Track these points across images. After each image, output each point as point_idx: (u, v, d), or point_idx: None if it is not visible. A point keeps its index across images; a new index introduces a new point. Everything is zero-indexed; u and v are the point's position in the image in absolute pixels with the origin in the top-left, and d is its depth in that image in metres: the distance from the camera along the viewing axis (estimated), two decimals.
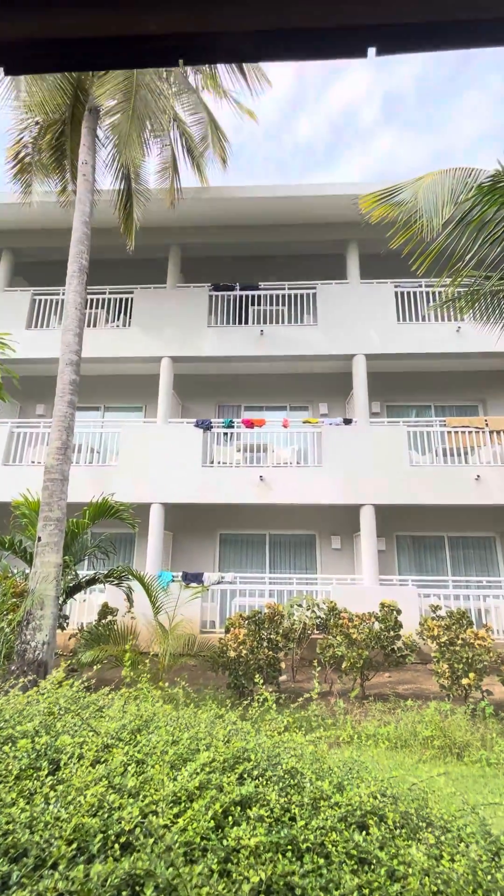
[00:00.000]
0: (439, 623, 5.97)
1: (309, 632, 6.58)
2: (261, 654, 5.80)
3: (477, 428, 9.25)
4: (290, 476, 8.97)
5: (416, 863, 1.38)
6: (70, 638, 7.24)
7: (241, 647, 5.77)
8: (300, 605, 6.72)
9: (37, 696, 2.50)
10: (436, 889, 1.32)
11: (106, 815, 1.47)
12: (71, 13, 0.74)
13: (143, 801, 1.52)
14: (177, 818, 1.48)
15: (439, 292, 9.67)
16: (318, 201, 9.64)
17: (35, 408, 11.29)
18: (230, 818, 1.51)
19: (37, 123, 7.66)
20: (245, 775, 1.75)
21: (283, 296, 10.34)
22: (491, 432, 9.17)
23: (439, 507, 9.00)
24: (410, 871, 1.36)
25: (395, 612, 6.23)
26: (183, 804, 1.55)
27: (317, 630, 6.71)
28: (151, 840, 1.36)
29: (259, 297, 10.37)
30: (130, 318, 10.35)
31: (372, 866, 1.39)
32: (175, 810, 1.50)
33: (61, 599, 6.07)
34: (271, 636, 6.04)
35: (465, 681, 5.38)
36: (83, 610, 8.35)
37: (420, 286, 9.94)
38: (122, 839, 1.39)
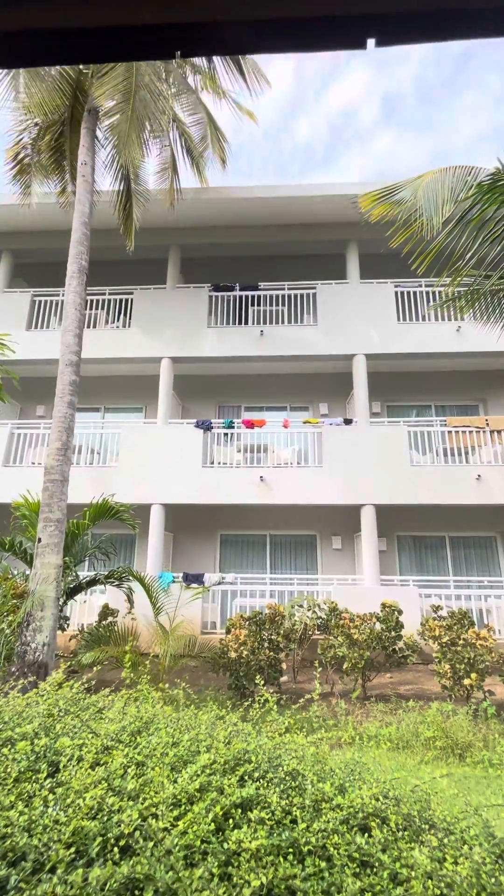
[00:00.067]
0: (441, 623, 5.95)
1: (310, 632, 6.56)
2: (262, 654, 5.78)
3: (477, 427, 9.23)
4: (290, 476, 8.96)
5: (419, 866, 1.36)
6: (71, 639, 7.22)
7: (241, 647, 5.76)
8: (301, 606, 6.70)
9: (36, 697, 2.48)
10: (439, 892, 1.31)
11: (105, 818, 1.45)
12: (65, 3, 0.73)
13: (142, 804, 1.51)
14: (177, 821, 1.46)
15: (439, 292, 9.65)
16: (318, 201, 9.64)
17: (35, 409, 11.29)
18: (231, 821, 1.49)
19: (36, 125, 7.66)
20: (246, 777, 1.74)
21: (283, 296, 10.33)
22: (491, 432, 9.15)
23: (440, 506, 8.98)
24: (413, 874, 1.34)
25: (396, 613, 6.21)
26: (183, 807, 1.53)
27: (318, 631, 6.69)
28: (151, 843, 1.35)
29: (259, 297, 10.36)
30: (130, 318, 10.35)
31: (374, 869, 1.37)
32: (175, 813, 1.49)
33: (62, 601, 6.05)
34: (272, 637, 6.02)
35: (466, 681, 5.36)
36: (84, 611, 8.34)
37: (420, 286, 9.93)
38: (122, 842, 1.37)
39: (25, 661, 4.79)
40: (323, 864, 1.36)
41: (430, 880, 1.34)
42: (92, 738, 1.96)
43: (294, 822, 1.52)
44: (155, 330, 10.13)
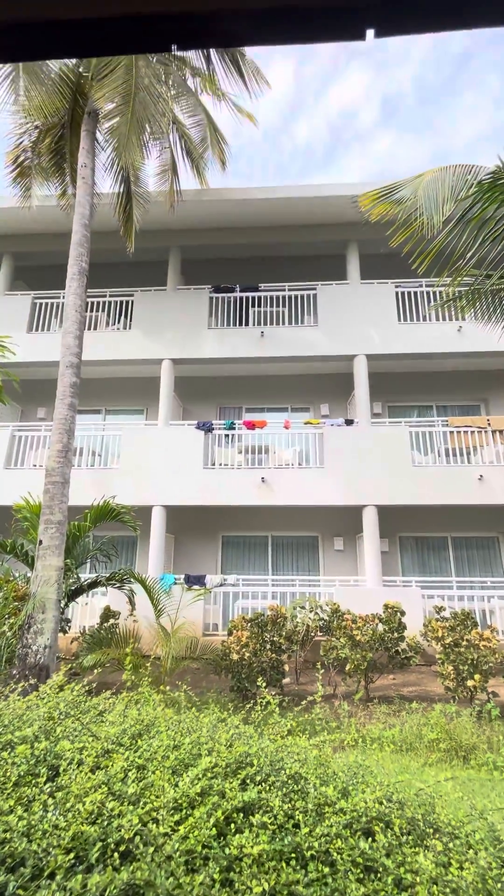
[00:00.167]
0: (443, 624, 5.91)
1: (312, 634, 6.53)
2: (264, 656, 5.76)
3: (479, 427, 9.20)
4: (291, 477, 8.94)
5: (424, 871, 1.34)
6: (72, 641, 7.21)
7: (243, 649, 5.73)
8: (303, 607, 6.67)
9: (37, 700, 2.46)
10: None
11: (105, 823, 1.44)
12: None
13: (143, 809, 1.49)
14: (178, 826, 1.45)
15: (440, 292, 9.64)
16: (318, 202, 9.64)
17: (36, 411, 11.30)
18: (232, 825, 1.48)
19: (36, 127, 7.68)
20: (248, 781, 1.72)
21: (284, 297, 10.33)
22: (493, 432, 9.12)
23: (442, 507, 8.95)
24: (418, 879, 1.32)
25: (398, 614, 6.18)
26: (184, 811, 1.52)
27: (320, 632, 6.66)
28: (152, 849, 1.33)
29: (259, 298, 10.36)
30: (131, 320, 10.35)
31: (378, 874, 1.35)
32: (176, 817, 1.47)
33: (63, 603, 6.04)
34: (274, 638, 6.00)
35: (470, 682, 5.32)
36: (85, 613, 8.33)
37: (421, 286, 9.92)
38: (122, 848, 1.35)
39: (27, 663, 4.77)
40: (326, 870, 1.33)
41: (435, 886, 1.32)
42: (92, 741, 1.94)
43: (297, 826, 1.50)
44: (155, 332, 10.13)
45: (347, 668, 5.78)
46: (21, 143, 7.82)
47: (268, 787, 1.67)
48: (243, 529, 10.16)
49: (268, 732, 2.35)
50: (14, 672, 4.77)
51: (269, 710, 2.44)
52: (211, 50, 8.01)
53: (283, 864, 1.35)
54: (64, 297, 8.91)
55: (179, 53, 8.28)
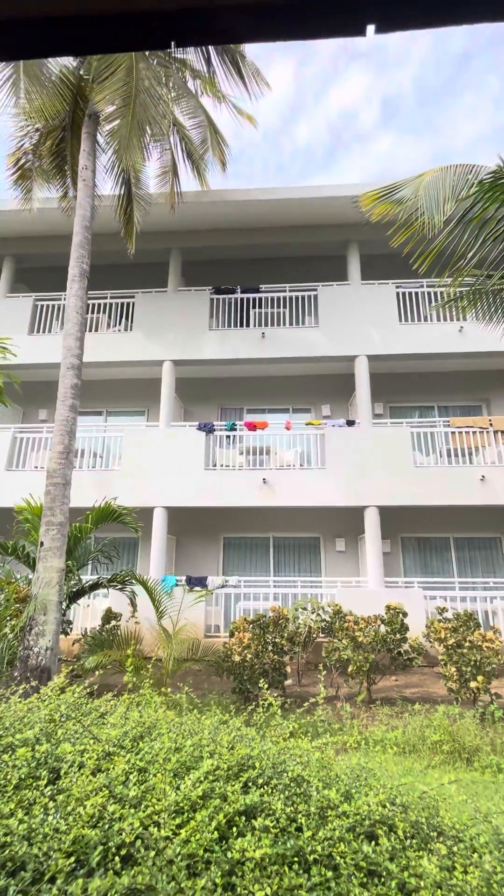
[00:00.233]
0: (446, 625, 5.89)
1: (314, 635, 6.51)
2: (266, 658, 5.74)
3: (481, 428, 9.18)
4: (293, 478, 8.92)
5: (428, 875, 1.33)
6: (74, 643, 7.20)
7: (245, 651, 5.72)
8: (305, 609, 6.65)
9: (38, 702, 2.46)
10: None
11: (106, 827, 1.42)
12: None
13: (144, 812, 1.48)
14: (179, 829, 1.43)
15: (441, 292, 9.63)
16: (319, 203, 9.64)
17: (38, 413, 11.31)
18: (234, 829, 1.46)
19: (37, 130, 7.70)
20: (250, 783, 1.71)
21: (285, 298, 10.33)
22: (495, 432, 9.10)
23: (444, 507, 8.92)
24: (422, 883, 1.31)
25: (401, 615, 6.16)
26: (186, 814, 1.50)
27: (322, 633, 6.64)
28: (153, 852, 1.32)
29: (260, 299, 10.36)
30: (132, 322, 10.36)
31: (382, 879, 1.34)
32: (177, 821, 1.46)
33: (64, 604, 6.03)
34: (276, 640, 5.98)
35: (473, 684, 5.30)
36: (87, 615, 8.32)
37: (422, 286, 9.91)
38: (123, 851, 1.34)
39: (28, 665, 4.77)
40: (329, 874, 1.32)
41: (439, 890, 1.30)
42: (93, 743, 1.93)
43: (299, 829, 1.49)
44: (157, 333, 10.14)
45: (350, 669, 5.76)
46: (22, 145, 7.84)
47: (270, 790, 1.66)
48: (245, 531, 10.15)
49: (270, 735, 2.34)
50: (15, 674, 4.76)
51: (271, 712, 2.43)
52: (211, 51, 8.03)
53: (286, 869, 1.34)
54: (65, 298, 8.92)
55: (180, 56, 8.30)
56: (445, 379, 10.73)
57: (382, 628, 6.12)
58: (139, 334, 10.18)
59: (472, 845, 1.52)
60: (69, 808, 1.49)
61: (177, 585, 8.06)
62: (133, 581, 6.54)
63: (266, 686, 3.19)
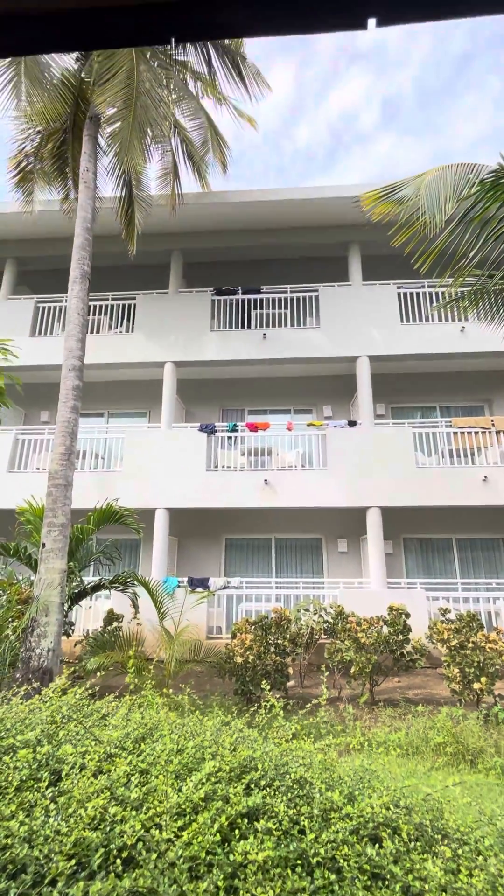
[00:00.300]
0: (449, 626, 5.86)
1: (316, 636, 6.49)
2: (268, 659, 5.72)
3: (483, 428, 9.15)
4: (295, 479, 8.91)
5: (433, 878, 1.31)
6: (76, 645, 7.19)
7: (247, 652, 5.70)
8: (307, 610, 6.63)
9: (39, 703, 2.45)
10: None
11: (108, 829, 1.41)
12: None
13: (146, 814, 1.47)
14: (181, 831, 1.42)
15: (442, 292, 9.62)
16: (319, 204, 9.64)
17: (40, 415, 11.33)
18: (237, 831, 1.45)
19: (38, 133, 7.73)
20: (252, 785, 1.69)
21: (286, 299, 10.33)
22: (497, 432, 9.07)
23: (446, 508, 8.89)
24: (427, 887, 1.29)
25: (403, 616, 6.14)
26: (188, 816, 1.49)
27: (324, 635, 6.62)
28: (154, 855, 1.31)
29: (261, 300, 10.37)
30: (133, 323, 10.38)
31: (386, 882, 1.33)
32: (179, 823, 1.45)
33: (66, 606, 6.03)
34: (278, 641, 5.96)
35: (476, 685, 5.27)
36: (89, 616, 8.31)
37: (423, 286, 9.90)
38: (125, 854, 1.33)
39: (30, 666, 4.76)
40: (332, 877, 1.31)
41: (444, 893, 1.29)
42: (95, 745, 1.92)
43: (302, 832, 1.48)
44: (158, 334, 10.15)
45: (352, 670, 5.73)
46: (24, 148, 7.86)
47: (272, 792, 1.64)
48: (247, 532, 10.13)
49: (272, 736, 2.32)
50: (17, 675, 4.76)
51: (274, 714, 2.41)
52: (212, 53, 8.05)
53: (289, 871, 1.32)
54: (66, 300, 8.95)
55: (180, 58, 8.32)
56: (447, 379, 10.71)
57: (385, 629, 6.10)
58: (140, 336, 10.19)
59: (477, 848, 1.50)
60: (70, 810, 1.48)
61: (179, 587, 8.05)
62: (135, 582, 6.53)
63: (268, 687, 3.18)
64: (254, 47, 8.42)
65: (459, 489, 8.54)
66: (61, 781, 1.69)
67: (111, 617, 7.22)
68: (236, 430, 9.52)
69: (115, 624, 7.07)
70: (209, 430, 9.40)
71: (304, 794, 1.65)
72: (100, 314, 10.59)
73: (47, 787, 1.64)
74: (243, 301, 10.39)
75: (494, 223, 4.75)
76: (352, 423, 9.35)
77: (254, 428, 9.46)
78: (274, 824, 1.46)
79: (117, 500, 7.02)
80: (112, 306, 10.75)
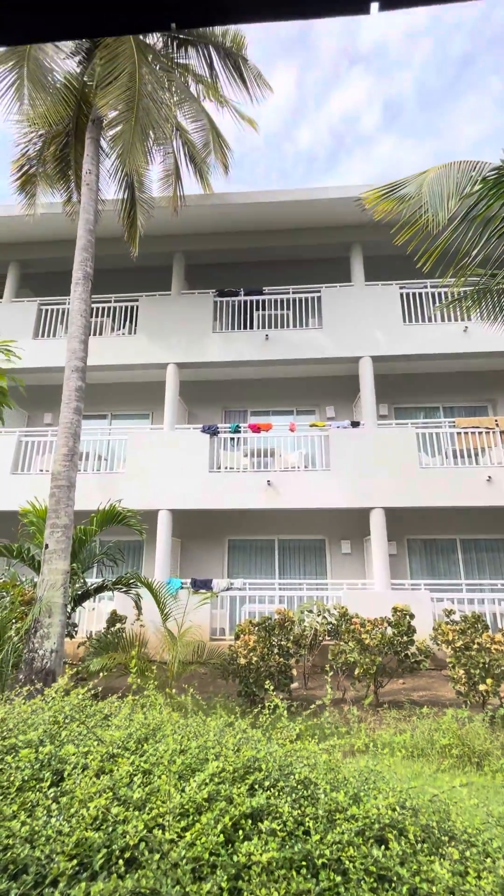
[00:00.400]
0: (454, 627, 5.82)
1: (320, 638, 6.45)
2: (271, 661, 5.69)
3: (487, 428, 9.10)
4: (298, 480, 8.89)
5: (441, 880, 1.29)
6: (79, 646, 7.18)
7: (251, 654, 5.67)
8: (311, 611, 6.60)
9: (42, 704, 2.43)
10: None
11: (110, 829, 1.40)
12: None
13: (148, 814, 1.45)
14: (184, 832, 1.41)
15: (445, 292, 9.59)
16: (322, 205, 9.65)
17: (43, 417, 11.36)
18: (241, 832, 1.43)
19: (41, 136, 7.77)
20: (256, 786, 1.67)
21: (288, 300, 10.33)
22: (501, 433, 9.02)
23: (450, 509, 8.85)
24: (434, 889, 1.27)
25: (408, 617, 6.10)
26: (191, 817, 1.48)
27: (328, 636, 6.58)
28: (157, 856, 1.29)
29: (264, 301, 10.37)
30: (136, 325, 10.40)
31: (392, 884, 1.30)
32: (182, 823, 1.43)
33: (69, 607, 6.02)
34: (282, 643, 5.93)
35: (482, 687, 5.22)
36: (92, 618, 8.30)
37: (425, 287, 9.88)
38: (127, 854, 1.31)
39: (33, 668, 4.75)
40: (338, 879, 1.29)
41: (452, 895, 1.26)
42: (97, 745, 1.90)
43: (307, 833, 1.46)
44: (160, 336, 10.16)
45: (356, 672, 5.70)
46: (26, 151, 7.91)
47: (277, 793, 1.62)
48: (250, 533, 10.11)
49: (276, 737, 2.30)
50: (20, 676, 4.75)
51: (278, 715, 2.39)
52: (213, 56, 8.08)
53: (294, 873, 1.30)
54: (69, 302, 8.98)
55: (182, 60, 8.35)
56: (450, 379, 10.67)
57: (389, 630, 6.06)
58: (143, 337, 10.21)
59: (485, 850, 1.48)
60: (72, 810, 1.46)
61: (182, 588, 8.03)
62: (138, 584, 6.52)
63: (272, 689, 3.15)
64: (255, 49, 8.45)
65: (463, 490, 8.50)
66: (63, 781, 1.68)
67: (114, 618, 7.21)
68: (239, 432, 9.51)
69: (118, 625, 7.06)
70: (212, 431, 9.39)
71: (308, 794, 1.63)
72: (102, 316, 10.62)
73: (49, 787, 1.63)
74: (245, 302, 10.39)
75: (497, 221, 4.73)
76: (355, 424, 9.33)
77: (256, 429, 9.44)
78: (278, 825, 1.44)
79: (120, 501, 7.02)
80: (114, 308, 10.78)
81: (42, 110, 6.79)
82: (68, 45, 7.13)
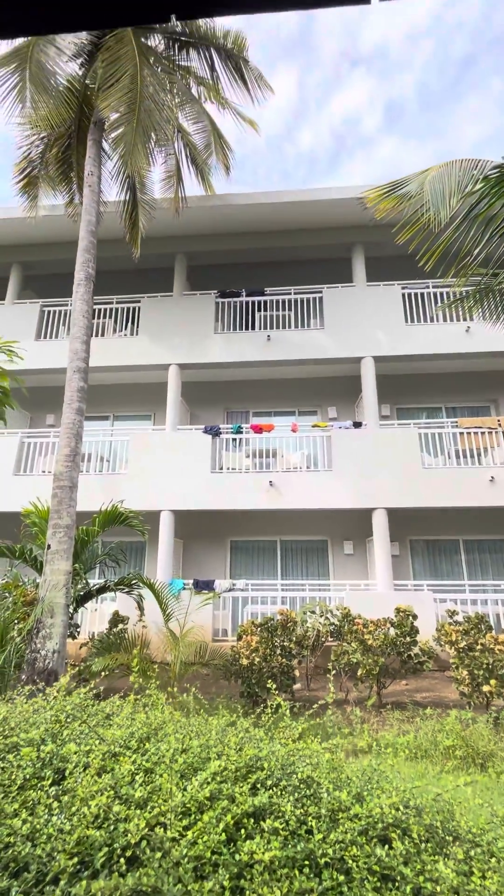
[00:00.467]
0: (457, 628, 5.79)
1: (323, 639, 6.43)
2: (274, 661, 5.68)
3: (490, 428, 9.07)
4: (300, 481, 8.87)
5: (445, 880, 1.27)
6: (81, 647, 7.17)
7: (253, 654, 5.66)
8: (313, 612, 6.58)
9: (43, 703, 2.43)
10: None
11: (111, 827, 1.39)
12: None
13: (150, 813, 1.45)
14: (186, 830, 1.40)
15: (447, 292, 9.58)
16: (323, 205, 9.65)
17: (45, 418, 11.38)
18: (243, 831, 1.42)
19: (43, 138, 7.80)
20: (258, 785, 1.66)
21: (290, 300, 10.33)
22: None
23: (453, 509, 8.82)
24: (438, 888, 1.26)
25: (410, 618, 6.07)
26: (193, 816, 1.47)
27: (331, 637, 6.56)
28: (159, 854, 1.28)
29: (265, 302, 10.38)
30: (138, 326, 10.42)
31: (396, 883, 1.29)
32: (184, 822, 1.42)
33: (72, 608, 6.02)
34: (284, 643, 5.92)
35: (486, 688, 5.19)
36: (94, 619, 8.30)
37: (427, 287, 9.87)
38: (128, 853, 1.31)
39: (35, 668, 4.75)
40: (341, 878, 1.28)
41: (456, 895, 1.25)
42: (99, 744, 1.90)
43: (309, 832, 1.45)
44: (162, 337, 10.18)
45: (359, 673, 5.67)
46: (29, 153, 7.94)
47: (279, 792, 1.61)
48: (252, 534, 10.10)
49: (278, 736, 2.29)
50: (23, 676, 4.75)
51: (280, 714, 2.38)
52: (215, 57, 8.10)
53: (296, 872, 1.29)
54: (71, 303, 9.00)
55: (184, 63, 8.37)
56: (453, 379, 10.65)
57: (392, 631, 6.04)
58: (145, 338, 10.23)
59: (489, 850, 1.46)
60: (74, 809, 1.46)
61: (184, 589, 8.03)
62: (140, 584, 6.52)
63: (274, 689, 3.14)
64: (256, 51, 8.47)
65: (466, 490, 8.47)
66: (65, 780, 1.67)
67: (116, 619, 7.21)
68: (241, 432, 9.51)
69: (120, 626, 7.06)
70: (214, 432, 9.39)
71: (311, 793, 1.62)
72: (104, 317, 10.64)
73: (51, 786, 1.62)
74: (247, 303, 10.40)
75: (498, 220, 4.72)
76: (357, 425, 9.31)
77: (258, 430, 9.44)
78: (281, 824, 1.43)
79: (122, 502, 7.02)
80: (116, 309, 10.80)
81: (44, 113, 6.82)
82: (70, 48, 7.16)
